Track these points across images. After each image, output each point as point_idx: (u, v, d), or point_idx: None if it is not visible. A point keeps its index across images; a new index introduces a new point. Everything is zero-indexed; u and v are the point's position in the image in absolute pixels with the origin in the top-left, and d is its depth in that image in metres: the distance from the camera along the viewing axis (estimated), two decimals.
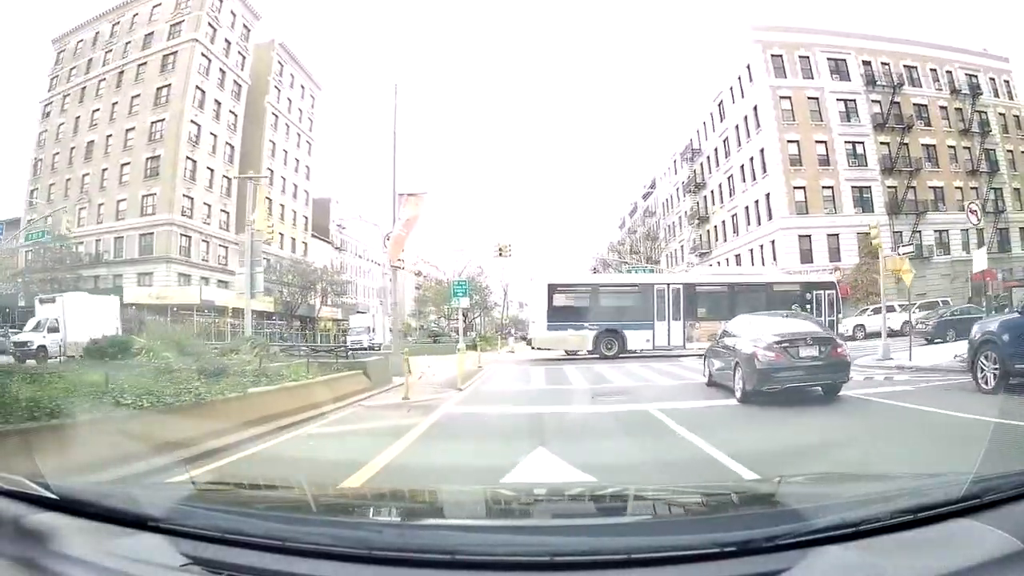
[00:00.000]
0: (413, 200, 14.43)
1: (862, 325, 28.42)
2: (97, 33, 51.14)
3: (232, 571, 1.34)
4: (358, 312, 52.02)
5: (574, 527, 1.77)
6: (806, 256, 35.33)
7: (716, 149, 45.60)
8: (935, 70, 41.15)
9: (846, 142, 37.80)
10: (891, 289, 34.72)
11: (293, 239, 57.63)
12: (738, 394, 8.37)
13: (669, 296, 21.21)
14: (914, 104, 39.52)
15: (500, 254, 26.92)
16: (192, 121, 46.91)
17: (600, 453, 5.17)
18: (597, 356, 20.41)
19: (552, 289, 21.31)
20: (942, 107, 40.44)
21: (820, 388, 8.39)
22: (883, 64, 39.74)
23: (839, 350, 8.27)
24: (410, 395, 9.78)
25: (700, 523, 1.73)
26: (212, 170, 48.43)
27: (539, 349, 22.02)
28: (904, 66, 39.99)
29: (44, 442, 4.31)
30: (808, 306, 20.86)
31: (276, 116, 56.71)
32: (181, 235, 45.10)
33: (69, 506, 1.59)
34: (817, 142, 37.21)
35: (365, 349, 29.32)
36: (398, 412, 8.15)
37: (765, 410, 7.67)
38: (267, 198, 52.48)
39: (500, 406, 9.22)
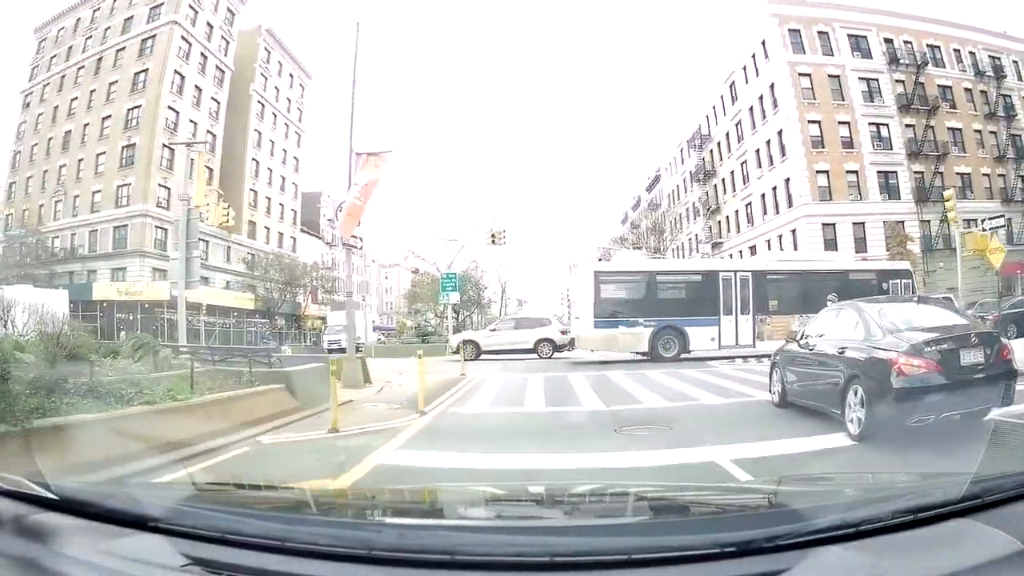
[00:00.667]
0: (373, 161, 11.42)
1: None
2: (78, 20, 50.27)
3: (232, 571, 1.33)
4: (342, 308, 48.98)
5: (574, 527, 1.75)
6: (830, 246, 32.35)
7: (728, 134, 42.68)
8: (958, 50, 38.69)
9: (870, 123, 35.04)
10: (935, 281, 32.87)
11: (280, 233, 55.26)
12: (853, 428, 5.30)
13: (736, 285, 18.07)
14: (938, 85, 36.92)
15: (493, 241, 23.93)
16: (170, 107, 45.03)
17: None
18: (648, 359, 17.29)
19: (600, 278, 17.90)
20: (967, 89, 37.97)
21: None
22: (905, 43, 37.22)
23: (1006, 353, 5.29)
24: (341, 424, 6.63)
25: (700, 523, 1.68)
26: (192, 159, 46.03)
27: (589, 351, 18.82)
28: (927, 45, 37.49)
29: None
30: None
31: (262, 105, 54.71)
32: (156, 227, 42.76)
33: (69, 506, 1.58)
34: (840, 123, 34.36)
35: (343, 350, 26.36)
36: (300, 460, 5.14)
37: (911, 457, 4.71)
38: (251, 190, 50.65)
39: (468, 453, 5.79)
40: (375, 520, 1.85)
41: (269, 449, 5.72)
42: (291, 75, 59.72)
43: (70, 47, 48.35)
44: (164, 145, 41.56)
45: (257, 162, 52.30)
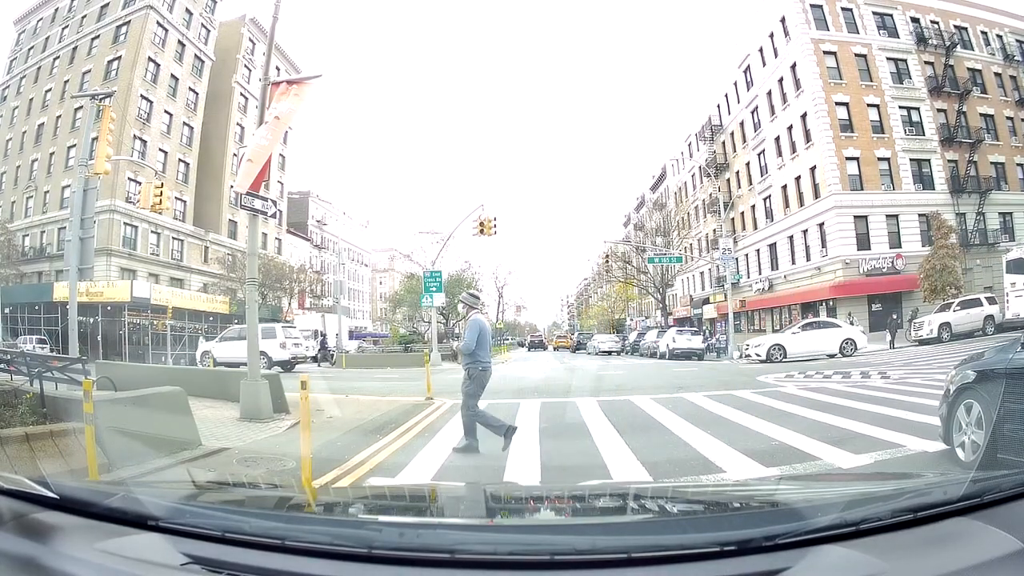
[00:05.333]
0: (293, 90, 8.15)
1: (947, 323, 22.45)
2: (56, 9, 48.18)
3: (232, 570, 1.32)
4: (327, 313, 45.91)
5: (574, 526, 1.75)
6: (863, 241, 29.19)
7: (742, 123, 39.50)
8: (985, 33, 36.02)
9: (900, 107, 31.92)
10: (971, 279, 29.93)
11: (264, 234, 52.29)
12: None
13: None
14: (968, 69, 34.05)
15: (482, 230, 20.63)
16: (143, 96, 42.41)
17: None
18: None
19: None
20: (996, 74, 35.22)
21: None
22: (933, 23, 34.30)
23: None
24: None
25: (700, 522, 1.65)
26: (165, 152, 43.66)
27: None
28: (954, 26, 34.62)
29: None
30: None
31: (246, 98, 51.90)
32: (125, 224, 39.74)
33: (69, 505, 1.57)
34: (869, 106, 31.21)
35: (313, 359, 22.86)
36: None
37: None
38: (232, 187, 47.72)
39: None
40: (375, 519, 1.81)
41: None
42: (278, 68, 56.90)
43: (47, 37, 46.49)
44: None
45: (236, 156, 49.50)
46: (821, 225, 30.83)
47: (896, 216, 30.19)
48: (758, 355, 21.39)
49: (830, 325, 22.55)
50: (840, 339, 20.82)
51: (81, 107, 41.51)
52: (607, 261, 43.78)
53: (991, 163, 33.21)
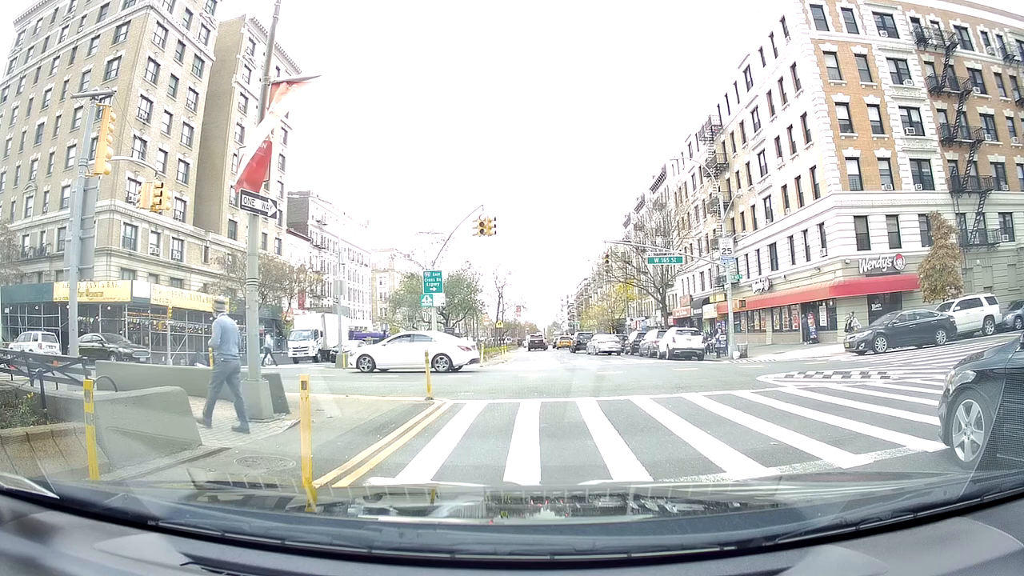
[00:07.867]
0: (295, 89, 8.13)
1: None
2: (56, 9, 48.18)
3: (232, 570, 1.32)
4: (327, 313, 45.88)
5: (574, 526, 1.74)
6: (863, 241, 29.14)
7: (742, 123, 39.51)
8: (985, 33, 36.06)
9: (900, 107, 31.93)
10: (971, 279, 30.01)
11: (264, 234, 52.36)
12: None
13: None
14: (968, 69, 34.08)
15: (482, 231, 20.62)
16: (143, 96, 42.41)
17: None
18: None
19: None
20: (996, 74, 35.25)
21: None
22: (932, 23, 34.33)
23: None
24: None
25: (700, 522, 1.64)
26: (166, 152, 43.68)
27: None
28: (954, 26, 34.64)
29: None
30: None
31: (246, 98, 51.93)
32: (125, 224, 39.72)
33: (70, 505, 1.57)
34: (869, 106, 31.22)
35: (311, 359, 22.84)
36: None
37: None
38: (232, 187, 47.74)
39: None
40: (375, 519, 1.81)
41: None
42: (278, 68, 57.05)
43: (47, 37, 46.70)
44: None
45: (237, 156, 49.62)
46: (821, 225, 30.84)
47: (896, 216, 30.21)
48: (351, 364, 21.33)
49: (422, 339, 21.41)
50: (433, 353, 19.44)
51: (81, 107, 41.64)
52: (607, 261, 43.82)
53: (991, 163, 33.27)
